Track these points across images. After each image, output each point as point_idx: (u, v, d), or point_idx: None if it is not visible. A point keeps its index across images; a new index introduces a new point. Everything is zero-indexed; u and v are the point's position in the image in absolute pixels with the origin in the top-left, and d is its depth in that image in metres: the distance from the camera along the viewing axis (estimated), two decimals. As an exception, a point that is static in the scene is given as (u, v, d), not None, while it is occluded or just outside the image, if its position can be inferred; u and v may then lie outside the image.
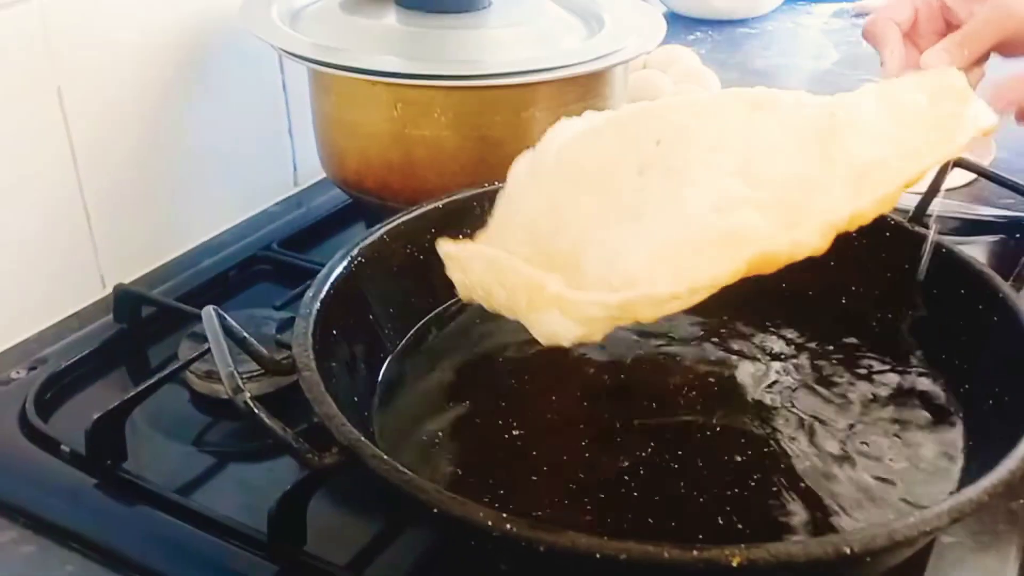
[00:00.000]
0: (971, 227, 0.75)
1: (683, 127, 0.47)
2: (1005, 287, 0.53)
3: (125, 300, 0.69)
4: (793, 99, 0.49)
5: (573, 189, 0.48)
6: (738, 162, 0.45)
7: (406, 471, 0.40)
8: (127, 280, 0.73)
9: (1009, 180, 0.66)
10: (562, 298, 0.42)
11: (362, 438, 0.41)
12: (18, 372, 0.64)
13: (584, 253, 0.45)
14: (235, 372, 0.42)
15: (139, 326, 0.69)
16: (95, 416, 0.55)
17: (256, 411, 0.40)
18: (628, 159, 0.47)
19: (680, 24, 1.33)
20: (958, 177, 0.80)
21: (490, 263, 0.46)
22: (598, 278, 0.43)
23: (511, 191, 0.51)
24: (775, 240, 0.41)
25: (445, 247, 0.49)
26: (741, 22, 1.36)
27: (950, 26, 0.71)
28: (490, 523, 0.37)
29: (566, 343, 0.42)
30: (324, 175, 0.82)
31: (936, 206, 0.63)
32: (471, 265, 0.48)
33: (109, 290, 0.71)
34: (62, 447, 0.57)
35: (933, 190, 0.63)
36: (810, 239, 0.42)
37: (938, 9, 0.71)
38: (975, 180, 0.84)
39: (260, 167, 0.86)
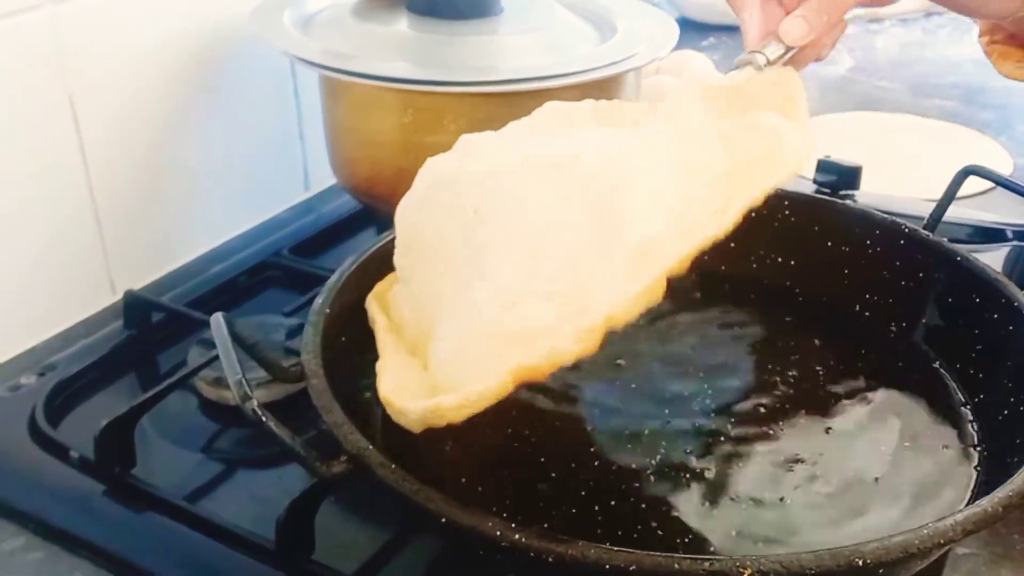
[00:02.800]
0: (986, 235, 0.75)
1: (493, 197, 0.46)
2: (1021, 296, 0.52)
3: (135, 306, 0.69)
4: (594, 151, 0.46)
5: (421, 253, 0.49)
6: (528, 243, 0.43)
7: (414, 480, 0.39)
8: (137, 286, 0.73)
9: (1026, 188, 0.65)
10: (386, 400, 0.43)
11: (371, 447, 0.41)
12: (28, 378, 0.65)
13: (430, 329, 0.46)
14: (244, 379, 0.41)
15: (149, 332, 0.69)
16: (104, 422, 0.55)
17: (264, 419, 0.40)
18: (457, 226, 0.46)
19: (693, 30, 1.32)
20: (974, 185, 0.79)
21: (378, 329, 0.49)
22: (432, 363, 0.45)
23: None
24: (533, 352, 0.40)
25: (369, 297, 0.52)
26: (754, 28, 1.35)
27: None
28: (499, 533, 0.37)
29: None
30: (335, 181, 0.82)
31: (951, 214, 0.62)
32: (374, 324, 0.50)
33: (119, 296, 0.71)
34: (71, 453, 0.57)
35: (948, 197, 0.63)
36: (566, 346, 0.40)
37: None
38: (991, 188, 0.83)
39: (271, 173, 0.86)
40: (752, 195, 0.43)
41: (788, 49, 0.61)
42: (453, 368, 0.42)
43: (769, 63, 0.61)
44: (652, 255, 0.41)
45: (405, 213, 0.51)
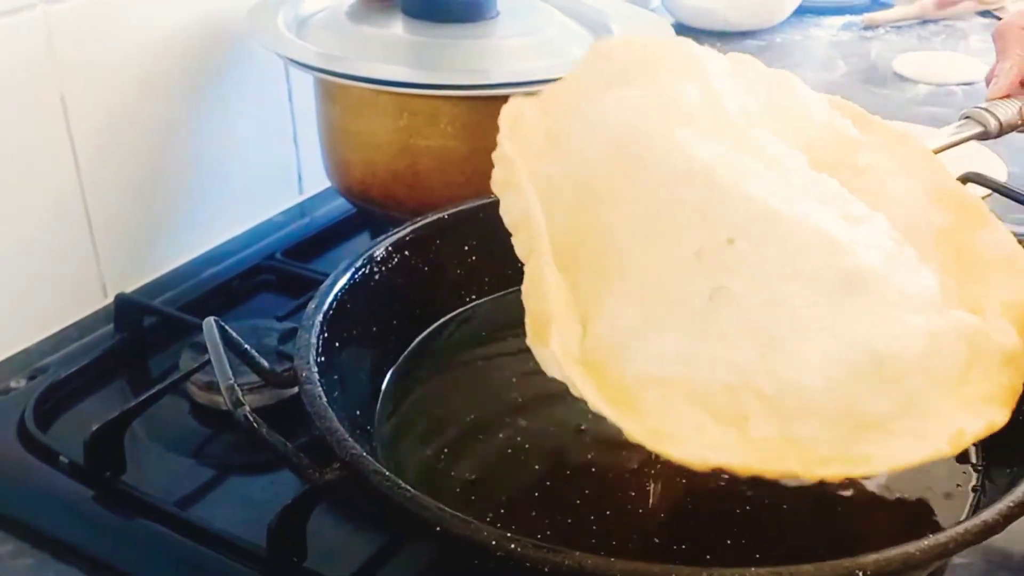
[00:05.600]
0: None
1: (760, 246, 0.43)
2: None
3: (126, 309, 0.68)
4: (893, 291, 0.43)
5: (631, 206, 0.46)
6: (772, 331, 0.42)
7: (408, 488, 0.39)
8: (129, 289, 0.73)
9: (1024, 196, 0.64)
10: (556, 358, 0.41)
11: (364, 453, 0.41)
12: (17, 382, 0.64)
13: (605, 289, 0.44)
14: (235, 385, 0.41)
15: (140, 336, 0.68)
16: (94, 427, 0.55)
17: (256, 425, 0.40)
18: (692, 228, 0.44)
19: (688, 36, 1.31)
20: (972, 192, 0.79)
21: (528, 223, 0.45)
22: (602, 334, 0.43)
23: (588, 96, 0.50)
24: (737, 455, 0.40)
25: (507, 121, 0.49)
26: (750, 34, 1.35)
27: None
28: (494, 543, 0.37)
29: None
30: (329, 184, 0.82)
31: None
32: (511, 193, 0.47)
33: (111, 299, 0.71)
34: (60, 458, 0.56)
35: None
36: (765, 471, 0.40)
37: None
38: (988, 195, 0.83)
39: (264, 176, 0.85)
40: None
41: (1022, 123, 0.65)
42: (642, 384, 0.41)
43: (1000, 130, 0.65)
44: (872, 434, 0.40)
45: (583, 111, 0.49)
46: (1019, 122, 0.67)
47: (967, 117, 0.68)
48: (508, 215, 0.47)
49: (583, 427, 0.52)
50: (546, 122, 0.51)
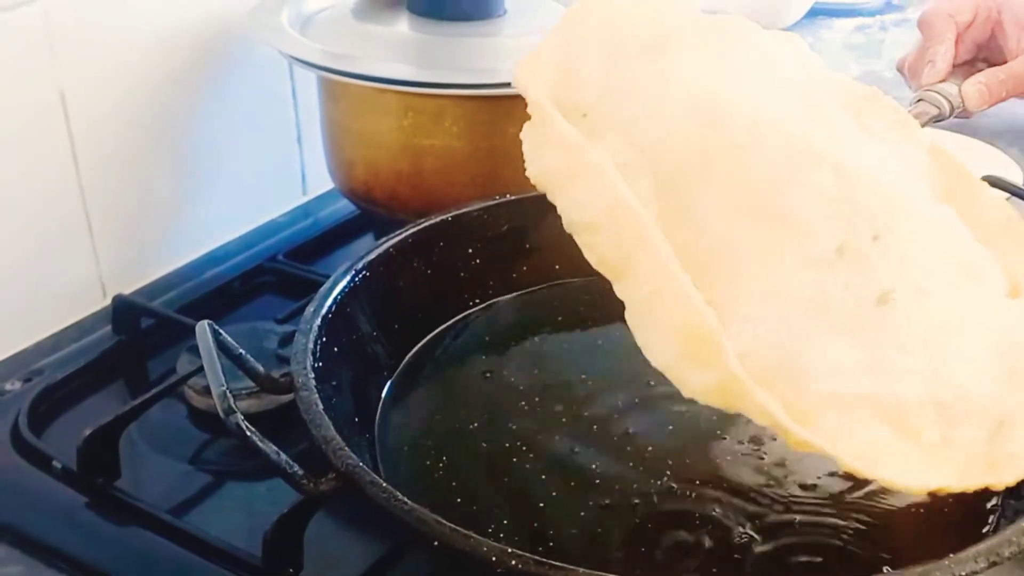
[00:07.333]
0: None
1: (904, 240, 0.40)
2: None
3: (124, 311, 0.67)
4: (988, 278, 0.42)
5: (752, 198, 0.40)
6: (940, 346, 0.39)
7: (405, 500, 0.38)
8: (128, 290, 0.71)
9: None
10: (735, 380, 0.35)
11: (360, 464, 0.39)
12: (12, 384, 0.63)
13: (726, 294, 0.38)
14: (227, 392, 0.40)
15: (138, 338, 0.67)
16: (87, 431, 0.53)
17: (248, 433, 0.38)
18: (826, 222, 0.40)
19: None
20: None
21: (622, 219, 0.37)
22: (746, 344, 0.37)
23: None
24: (906, 474, 0.37)
25: (541, 112, 0.40)
26: (761, 35, 1.34)
27: (992, 39, 0.71)
28: (494, 559, 0.35)
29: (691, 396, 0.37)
30: (333, 185, 0.80)
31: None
32: (581, 183, 0.38)
33: (110, 300, 0.69)
34: (54, 463, 0.55)
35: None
36: (968, 488, 0.38)
37: (993, 21, 0.71)
38: (1007, 199, 0.81)
39: (268, 176, 0.84)
40: None
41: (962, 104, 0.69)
42: (807, 398, 0.37)
43: (950, 111, 0.69)
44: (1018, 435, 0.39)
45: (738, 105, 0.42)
46: (960, 102, 0.69)
47: (921, 100, 0.70)
48: (579, 211, 0.38)
49: (593, 438, 0.51)
50: (574, 99, 0.44)
